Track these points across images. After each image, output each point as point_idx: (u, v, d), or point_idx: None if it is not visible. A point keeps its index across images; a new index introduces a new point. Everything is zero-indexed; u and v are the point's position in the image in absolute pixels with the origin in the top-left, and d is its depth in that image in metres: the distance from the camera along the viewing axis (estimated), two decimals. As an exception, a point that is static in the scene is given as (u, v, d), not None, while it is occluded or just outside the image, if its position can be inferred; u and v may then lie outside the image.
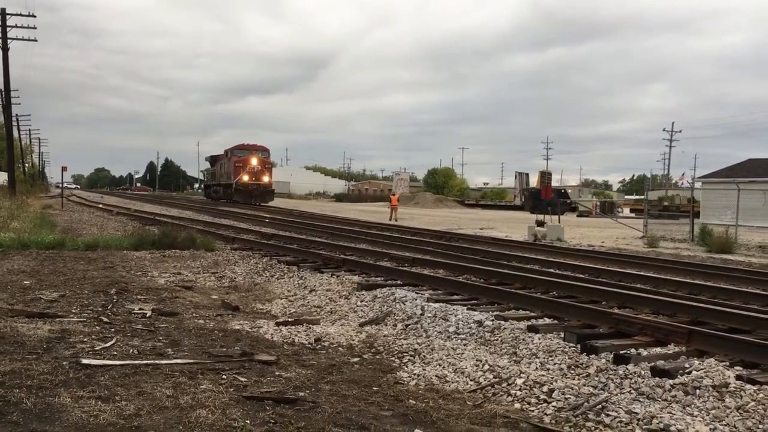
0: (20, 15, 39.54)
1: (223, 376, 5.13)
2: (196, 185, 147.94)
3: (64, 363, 5.26)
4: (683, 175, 70.42)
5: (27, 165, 75.47)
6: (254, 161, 47.20)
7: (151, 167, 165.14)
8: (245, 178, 46.66)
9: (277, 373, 5.34)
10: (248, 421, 4.15)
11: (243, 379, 5.08)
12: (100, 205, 37.40)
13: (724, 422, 4.42)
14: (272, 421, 4.20)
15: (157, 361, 5.44)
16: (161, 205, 41.68)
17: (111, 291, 8.88)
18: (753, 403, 4.61)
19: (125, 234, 17.24)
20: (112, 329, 6.63)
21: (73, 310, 7.53)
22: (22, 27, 39.21)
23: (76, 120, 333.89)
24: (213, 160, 59.18)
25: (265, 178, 47.81)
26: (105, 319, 7.05)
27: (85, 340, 6.10)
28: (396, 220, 34.24)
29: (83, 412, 4.16)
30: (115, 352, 5.72)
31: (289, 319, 7.64)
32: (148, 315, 7.47)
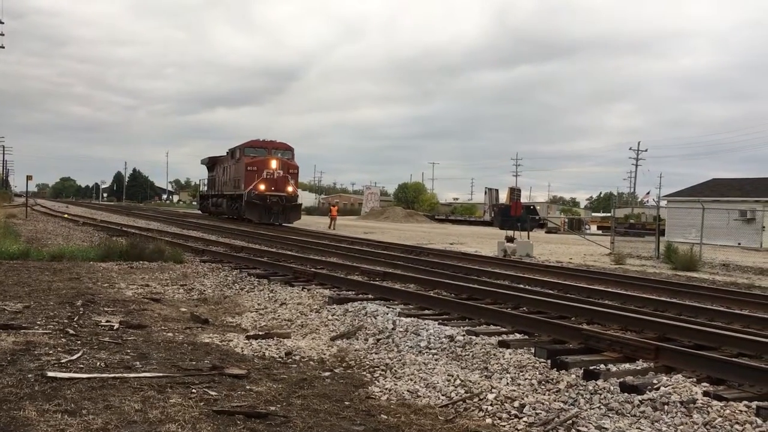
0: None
1: (193, 390, 5.06)
2: (164, 196, 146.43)
3: (29, 376, 5.15)
4: (648, 193, 71.62)
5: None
6: (274, 164, 35.05)
7: (118, 177, 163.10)
8: (261, 187, 34.45)
9: (247, 387, 5.29)
10: (219, 436, 4.10)
11: (213, 393, 5.02)
12: (66, 215, 36.74)
13: (691, 438, 4.48)
14: (243, 435, 4.15)
15: (125, 375, 5.35)
16: (128, 216, 41.08)
17: (77, 303, 8.72)
18: (720, 419, 4.68)
19: (92, 245, 16.96)
20: (79, 342, 6.51)
21: (38, 322, 7.38)
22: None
23: (40, 128, 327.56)
24: (212, 163, 45.53)
25: (290, 188, 35.45)
26: (71, 331, 6.92)
27: (51, 352, 5.98)
28: (334, 229, 34.54)
29: (49, 426, 4.07)
30: (82, 365, 5.61)
31: (260, 333, 7.58)
32: (115, 327, 7.34)
